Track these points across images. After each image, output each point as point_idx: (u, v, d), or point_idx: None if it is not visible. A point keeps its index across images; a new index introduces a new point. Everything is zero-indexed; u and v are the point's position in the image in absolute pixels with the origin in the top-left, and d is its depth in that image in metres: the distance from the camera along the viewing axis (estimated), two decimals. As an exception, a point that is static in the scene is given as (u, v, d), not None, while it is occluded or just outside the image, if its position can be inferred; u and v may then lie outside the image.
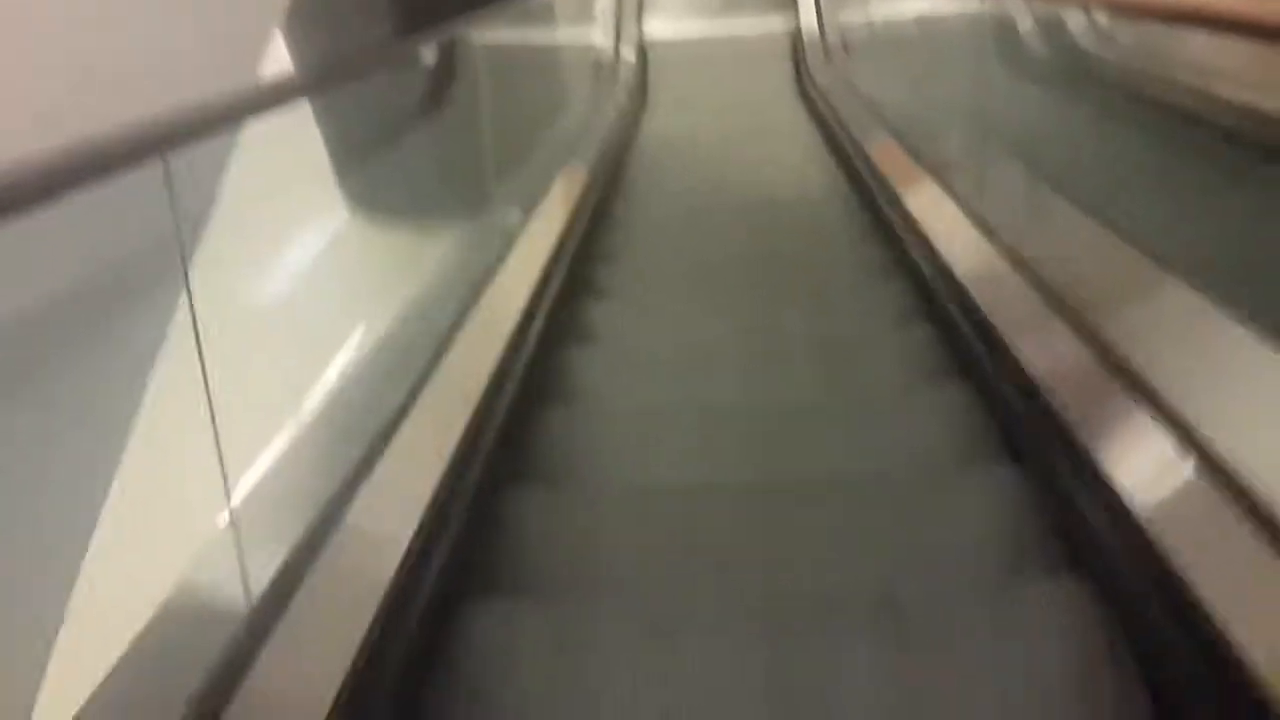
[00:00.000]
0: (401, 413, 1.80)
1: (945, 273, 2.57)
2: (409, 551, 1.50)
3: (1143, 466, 1.46)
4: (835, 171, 4.55)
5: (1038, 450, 1.78)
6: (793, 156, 5.01)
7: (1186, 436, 1.36)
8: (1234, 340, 1.46)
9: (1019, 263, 2.22)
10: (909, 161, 3.55)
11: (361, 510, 1.49)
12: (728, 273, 3.29)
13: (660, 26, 7.59)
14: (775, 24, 7.42)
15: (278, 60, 3.47)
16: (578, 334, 2.79)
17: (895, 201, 3.42)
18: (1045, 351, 1.91)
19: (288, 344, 1.95)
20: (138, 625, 1.12)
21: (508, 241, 2.99)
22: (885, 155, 3.87)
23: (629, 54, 6.90)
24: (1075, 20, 4.21)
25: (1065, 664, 1.34)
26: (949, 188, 3.03)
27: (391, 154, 2.88)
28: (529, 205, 3.34)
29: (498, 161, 3.46)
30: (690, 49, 7.43)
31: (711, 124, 5.83)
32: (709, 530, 1.74)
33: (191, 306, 1.24)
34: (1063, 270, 2.04)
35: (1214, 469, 1.27)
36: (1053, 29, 4.18)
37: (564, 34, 5.54)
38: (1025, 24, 4.37)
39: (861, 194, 3.99)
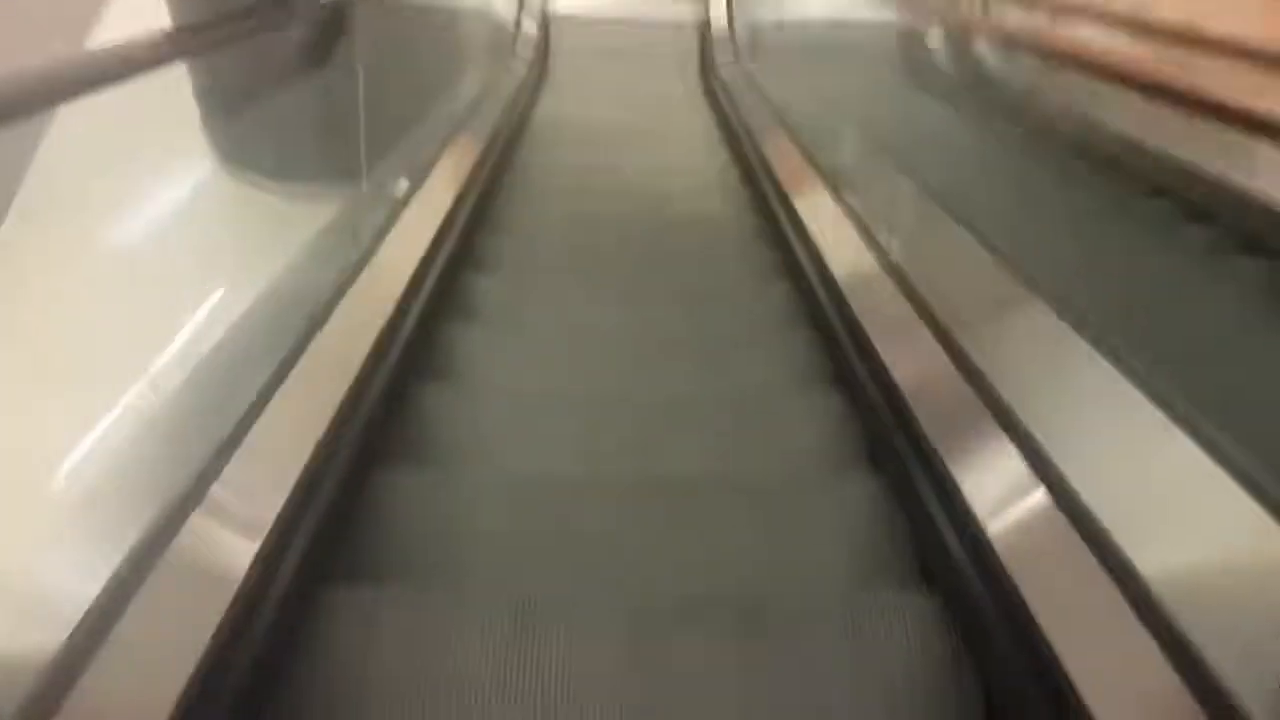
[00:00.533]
0: (266, 391, 1.72)
1: (828, 281, 2.63)
2: (270, 533, 1.46)
3: (992, 484, 1.57)
4: (732, 169, 4.59)
5: (897, 461, 1.87)
6: (692, 151, 5.04)
7: (1035, 456, 1.47)
8: (1088, 365, 1.58)
9: (902, 279, 2.29)
10: (805, 166, 3.62)
11: (221, 491, 1.42)
12: (616, 262, 3.30)
13: (567, 4, 7.54)
14: (684, 12, 7.44)
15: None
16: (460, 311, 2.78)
17: (786, 205, 3.49)
18: (911, 362, 2.02)
19: (134, 300, 1.88)
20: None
21: (392, 211, 2.93)
22: (783, 160, 3.93)
23: (531, 27, 6.83)
24: (983, 41, 4.39)
25: (909, 671, 1.43)
26: (842, 197, 3.11)
27: (262, 110, 2.79)
28: (416, 175, 3.26)
29: (383, 126, 3.39)
30: (595, 28, 7.39)
31: (610, 112, 5.81)
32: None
33: None
34: (938, 285, 2.14)
35: (1059, 491, 1.38)
36: (959, 44, 4.35)
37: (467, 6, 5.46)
38: (934, 38, 4.53)
39: (755, 193, 4.05)
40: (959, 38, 3.99)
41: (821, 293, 2.66)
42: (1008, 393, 1.64)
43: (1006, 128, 4.26)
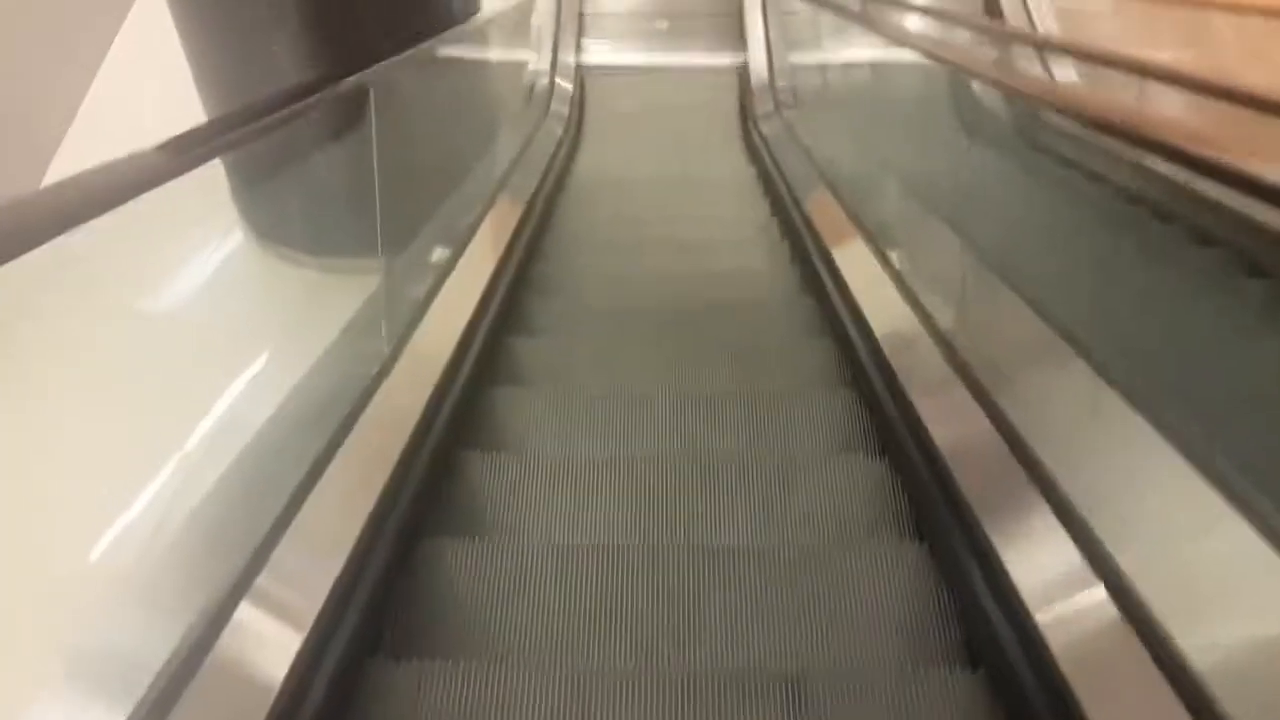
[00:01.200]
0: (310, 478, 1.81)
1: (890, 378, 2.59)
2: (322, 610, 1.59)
3: (1038, 562, 1.66)
4: (773, 228, 4.55)
5: (941, 529, 1.96)
6: (733, 216, 4.96)
7: (1083, 536, 1.56)
8: (1146, 447, 1.63)
9: (963, 367, 2.28)
10: (848, 227, 3.61)
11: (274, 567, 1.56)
12: (656, 320, 3.35)
13: (601, 55, 7.61)
14: (722, 61, 7.47)
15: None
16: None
17: (830, 267, 3.48)
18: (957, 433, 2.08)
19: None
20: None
21: (433, 281, 2.99)
22: (825, 220, 3.92)
23: (565, 83, 6.92)
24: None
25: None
26: (888, 260, 3.10)
27: (295, 183, 2.84)
28: (455, 244, 3.30)
29: (418, 197, 3.43)
30: (630, 80, 7.45)
31: (647, 169, 5.83)
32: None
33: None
34: (1005, 372, 2.16)
35: (1107, 572, 1.47)
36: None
37: (497, 64, 5.52)
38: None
39: (796, 252, 4.04)
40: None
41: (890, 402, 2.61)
42: (1058, 470, 1.73)
43: (1070, 182, 4.24)
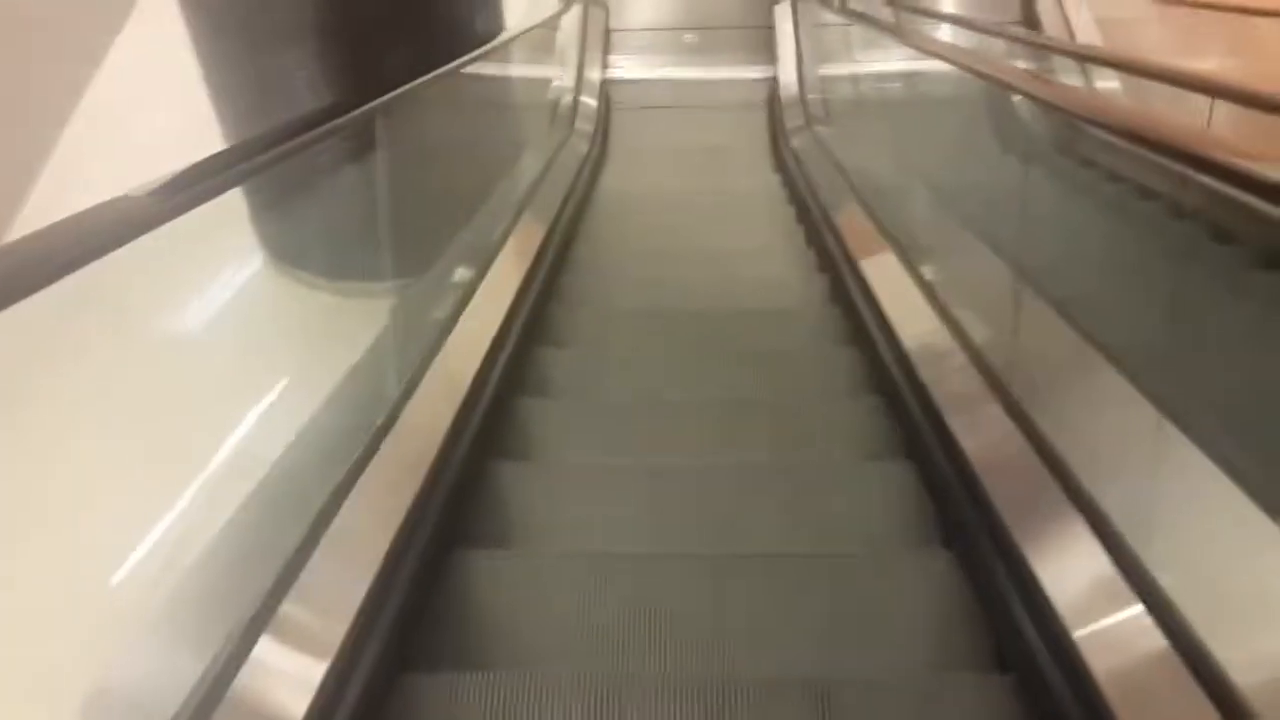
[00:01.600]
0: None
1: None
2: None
3: (1069, 571, 1.72)
4: (807, 251, 4.50)
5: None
6: (763, 233, 4.90)
7: (1116, 546, 1.61)
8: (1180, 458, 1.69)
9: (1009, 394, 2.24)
10: (882, 245, 3.57)
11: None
12: (687, 348, 3.34)
13: (628, 70, 7.62)
14: (751, 74, 7.46)
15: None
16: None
17: (863, 287, 3.45)
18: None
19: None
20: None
21: (459, 299, 3.02)
22: (856, 236, 3.89)
23: (589, 99, 6.93)
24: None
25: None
26: (924, 283, 3.06)
27: (313, 207, 2.86)
28: (480, 263, 3.31)
29: (435, 221, 3.44)
30: (656, 93, 7.45)
31: (674, 188, 5.78)
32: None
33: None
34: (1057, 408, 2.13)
35: (1140, 582, 1.53)
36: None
37: (520, 82, 5.54)
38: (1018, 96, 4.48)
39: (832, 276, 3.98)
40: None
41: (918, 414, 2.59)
42: (1091, 482, 1.78)
43: (1113, 197, 4.19)
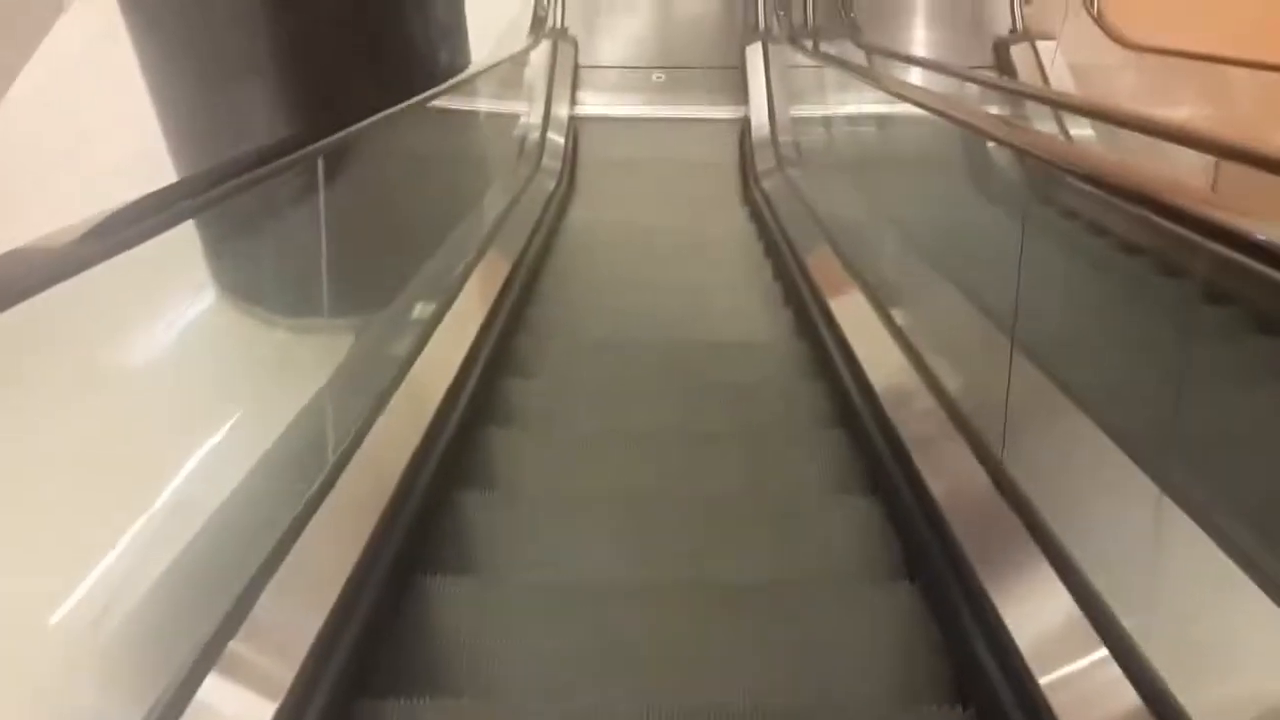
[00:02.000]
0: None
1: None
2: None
3: (1030, 605, 1.79)
4: (777, 297, 4.39)
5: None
6: (733, 278, 4.76)
7: (1075, 582, 1.69)
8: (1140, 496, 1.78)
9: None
10: (853, 291, 3.55)
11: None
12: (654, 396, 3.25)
13: (596, 107, 7.63)
14: (720, 113, 7.49)
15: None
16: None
17: (835, 332, 3.40)
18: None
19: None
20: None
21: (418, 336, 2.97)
22: (828, 282, 3.85)
23: (556, 137, 6.93)
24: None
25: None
26: (900, 334, 3.04)
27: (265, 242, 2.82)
28: (440, 301, 3.26)
29: (400, 256, 3.40)
30: (624, 133, 7.46)
31: (641, 231, 5.62)
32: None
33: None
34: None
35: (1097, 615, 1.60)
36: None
37: (485, 119, 5.52)
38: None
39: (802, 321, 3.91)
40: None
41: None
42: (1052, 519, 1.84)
43: (1087, 244, 4.21)
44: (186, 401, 2.25)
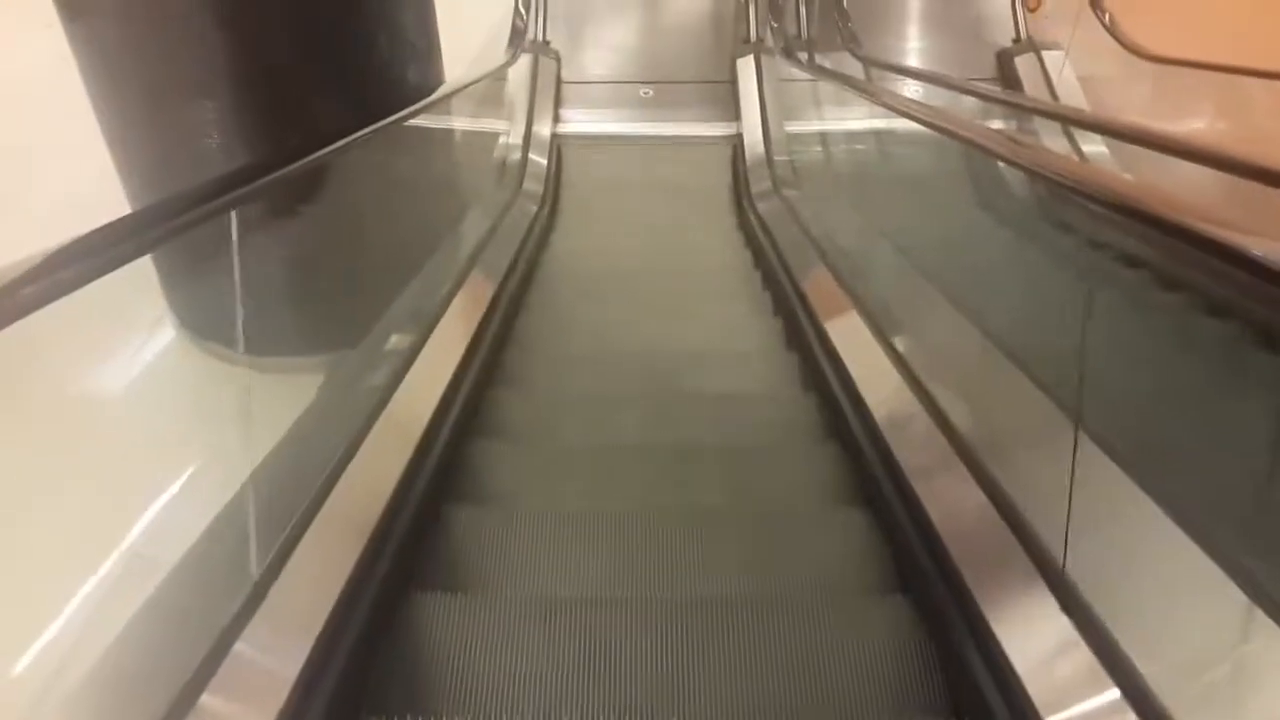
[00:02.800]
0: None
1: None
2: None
3: (1027, 628, 1.85)
4: (776, 328, 4.27)
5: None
6: (729, 313, 4.57)
7: (1070, 601, 1.76)
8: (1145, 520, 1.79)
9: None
10: (854, 319, 3.44)
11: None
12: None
13: (582, 125, 7.55)
14: (713, 131, 7.41)
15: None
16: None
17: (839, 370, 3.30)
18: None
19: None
20: None
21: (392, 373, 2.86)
22: (828, 310, 3.73)
23: (539, 158, 6.84)
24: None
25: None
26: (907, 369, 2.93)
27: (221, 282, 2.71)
28: (413, 340, 3.15)
29: (370, 288, 3.31)
30: (611, 151, 7.38)
31: (628, 259, 5.50)
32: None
33: None
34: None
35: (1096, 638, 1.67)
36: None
37: (460, 141, 5.41)
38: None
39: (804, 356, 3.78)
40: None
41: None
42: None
43: (1098, 265, 4.12)
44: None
